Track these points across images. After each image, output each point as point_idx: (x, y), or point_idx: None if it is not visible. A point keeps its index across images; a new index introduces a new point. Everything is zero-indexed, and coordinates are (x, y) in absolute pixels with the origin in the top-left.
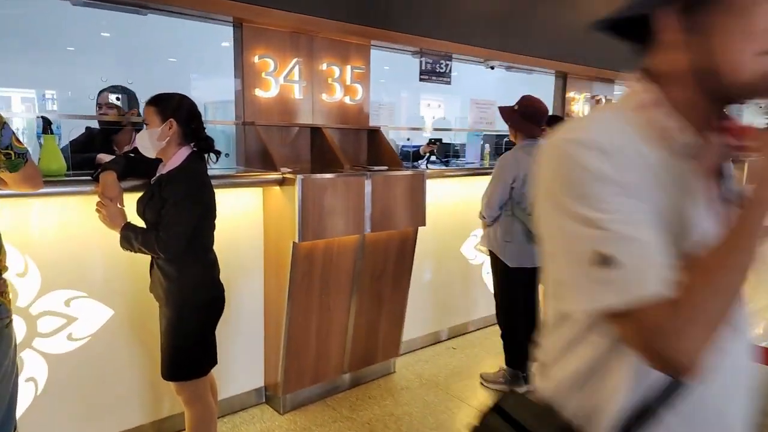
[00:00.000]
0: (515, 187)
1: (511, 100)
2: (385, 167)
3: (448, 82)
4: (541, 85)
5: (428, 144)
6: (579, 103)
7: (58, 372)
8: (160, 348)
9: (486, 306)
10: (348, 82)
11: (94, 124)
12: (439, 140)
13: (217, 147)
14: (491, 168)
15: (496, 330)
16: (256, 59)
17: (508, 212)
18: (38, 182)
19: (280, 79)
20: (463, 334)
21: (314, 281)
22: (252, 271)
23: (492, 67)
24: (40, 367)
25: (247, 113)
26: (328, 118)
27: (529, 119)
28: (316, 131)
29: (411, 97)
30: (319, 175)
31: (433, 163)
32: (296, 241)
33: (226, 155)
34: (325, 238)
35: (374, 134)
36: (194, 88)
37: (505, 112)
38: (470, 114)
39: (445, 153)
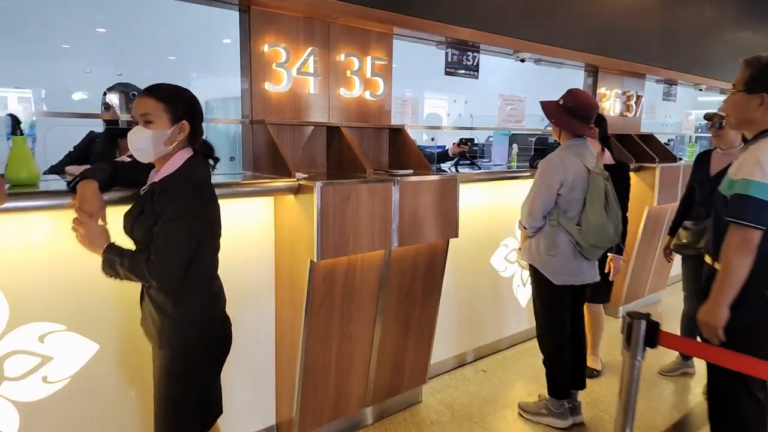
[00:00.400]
0: (562, 194)
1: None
2: (410, 171)
3: (476, 76)
4: (562, 83)
5: (458, 145)
6: (610, 100)
7: (31, 422)
8: (154, 399)
9: (517, 323)
10: (368, 75)
11: (81, 123)
12: (471, 140)
13: (220, 149)
14: (519, 171)
15: (529, 349)
16: (265, 48)
17: (553, 222)
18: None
19: (292, 72)
20: (493, 353)
21: (334, 305)
22: (261, 295)
23: (522, 60)
24: (11, 417)
25: (256, 110)
26: (347, 116)
27: (576, 115)
28: (333, 130)
29: (417, 95)
30: (341, 182)
31: (463, 165)
32: (314, 259)
33: (231, 159)
34: (347, 254)
35: (397, 134)
36: (194, 88)
37: (549, 107)
38: (498, 111)
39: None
